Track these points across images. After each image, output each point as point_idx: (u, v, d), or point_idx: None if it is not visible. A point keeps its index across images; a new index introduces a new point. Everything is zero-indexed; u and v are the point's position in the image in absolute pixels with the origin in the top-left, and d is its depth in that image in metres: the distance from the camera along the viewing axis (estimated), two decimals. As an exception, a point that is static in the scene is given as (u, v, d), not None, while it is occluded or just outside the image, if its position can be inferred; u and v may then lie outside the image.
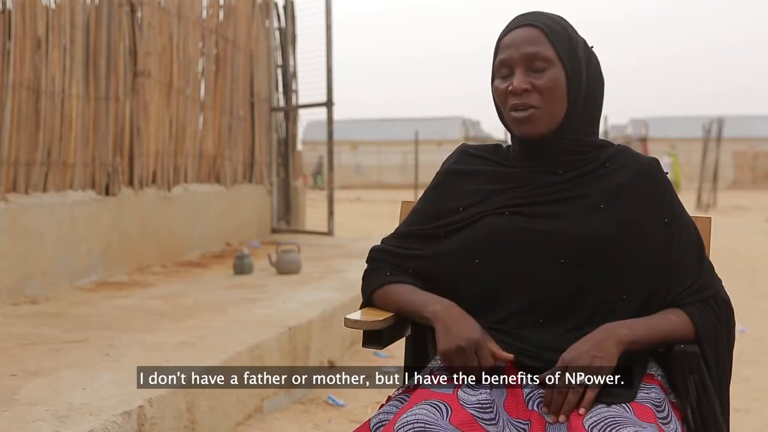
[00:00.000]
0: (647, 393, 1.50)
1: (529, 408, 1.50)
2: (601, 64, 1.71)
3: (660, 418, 1.45)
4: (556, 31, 1.64)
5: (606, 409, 1.44)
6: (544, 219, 1.63)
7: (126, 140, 5.67)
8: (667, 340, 1.58)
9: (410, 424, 1.40)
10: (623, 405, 1.45)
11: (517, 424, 1.48)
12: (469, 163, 1.76)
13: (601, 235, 1.59)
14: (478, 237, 1.65)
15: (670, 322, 1.58)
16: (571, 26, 1.69)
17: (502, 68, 1.66)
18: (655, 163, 1.69)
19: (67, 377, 2.78)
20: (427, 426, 1.39)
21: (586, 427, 1.40)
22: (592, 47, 1.70)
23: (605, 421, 1.40)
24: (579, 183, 1.66)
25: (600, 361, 1.48)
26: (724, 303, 1.62)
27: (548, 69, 1.62)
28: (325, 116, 8.64)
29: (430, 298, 1.64)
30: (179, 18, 6.43)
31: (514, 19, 1.70)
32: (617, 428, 1.38)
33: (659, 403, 1.49)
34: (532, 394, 1.52)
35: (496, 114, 1.73)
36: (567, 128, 1.66)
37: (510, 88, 1.63)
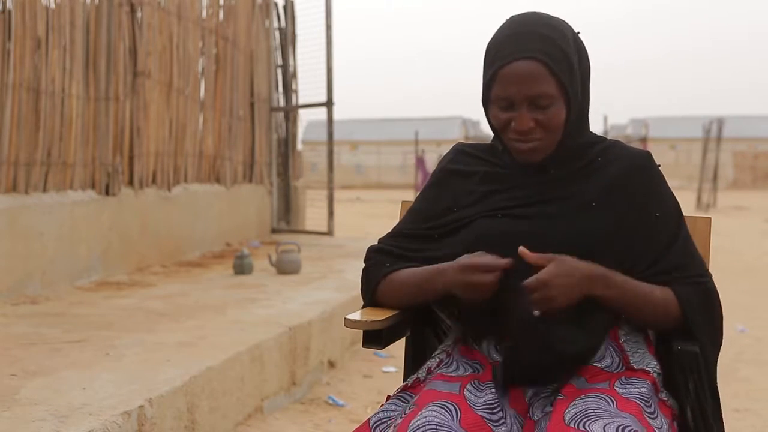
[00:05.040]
0: (638, 388, 1.51)
1: (530, 415, 1.50)
2: (587, 50, 1.67)
3: (647, 413, 1.45)
4: (555, 59, 1.57)
5: (590, 401, 1.45)
6: (537, 220, 1.62)
7: (126, 140, 5.66)
8: (644, 307, 1.57)
9: (422, 427, 1.40)
10: (607, 398, 1.46)
11: (521, 420, 1.49)
12: (464, 162, 1.76)
13: (594, 234, 1.59)
14: (471, 240, 1.65)
15: (653, 292, 1.58)
16: (563, 29, 1.62)
17: (501, 100, 1.61)
18: (648, 155, 1.69)
19: (67, 377, 2.78)
20: (438, 428, 1.40)
21: (566, 420, 1.40)
22: (578, 33, 1.66)
23: (584, 413, 1.41)
24: (571, 181, 1.65)
25: (566, 298, 1.50)
26: (713, 292, 1.61)
27: (552, 105, 1.58)
28: (325, 116, 8.64)
29: (436, 268, 1.64)
30: (179, 18, 6.43)
31: (510, 39, 1.59)
32: (594, 419, 1.39)
33: (647, 399, 1.49)
34: (533, 396, 1.52)
35: (489, 126, 1.72)
36: (564, 140, 1.65)
37: (513, 126, 1.60)
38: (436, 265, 1.64)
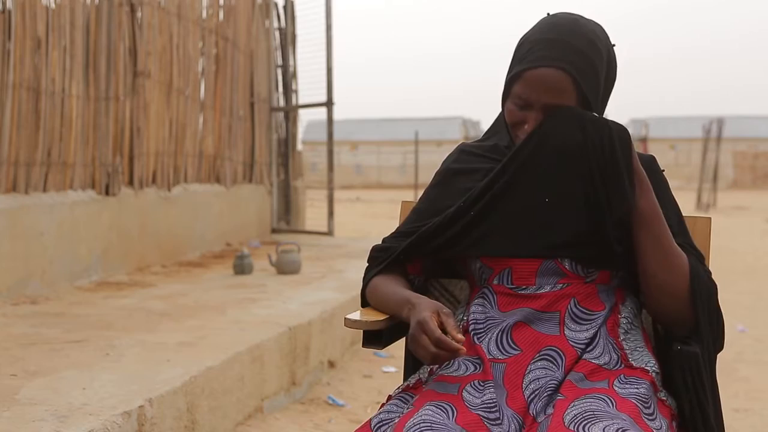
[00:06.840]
0: (636, 388, 1.50)
1: (530, 412, 1.50)
2: (618, 62, 1.66)
3: (645, 414, 1.45)
4: (584, 74, 1.57)
5: (589, 401, 1.44)
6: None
7: (126, 140, 5.67)
8: (666, 252, 1.57)
9: (417, 425, 1.40)
10: (606, 398, 1.46)
11: (520, 419, 1.49)
12: (468, 161, 1.76)
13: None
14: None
15: (677, 247, 1.58)
16: (598, 41, 1.60)
17: (519, 99, 1.61)
18: (652, 158, 1.70)
19: (67, 377, 2.78)
20: (433, 426, 1.39)
21: (566, 422, 1.40)
22: (614, 46, 1.65)
23: (584, 415, 1.41)
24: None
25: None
26: (715, 285, 1.61)
27: None
28: (325, 116, 8.65)
29: (408, 299, 1.61)
30: (179, 18, 6.43)
31: (543, 44, 1.58)
32: (593, 422, 1.38)
33: (646, 399, 1.49)
34: (533, 395, 1.52)
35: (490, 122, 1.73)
36: None
37: (526, 127, 1.61)
38: (409, 296, 1.61)
